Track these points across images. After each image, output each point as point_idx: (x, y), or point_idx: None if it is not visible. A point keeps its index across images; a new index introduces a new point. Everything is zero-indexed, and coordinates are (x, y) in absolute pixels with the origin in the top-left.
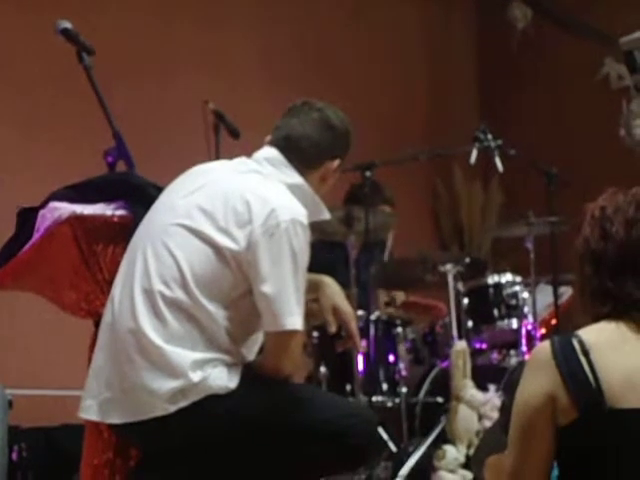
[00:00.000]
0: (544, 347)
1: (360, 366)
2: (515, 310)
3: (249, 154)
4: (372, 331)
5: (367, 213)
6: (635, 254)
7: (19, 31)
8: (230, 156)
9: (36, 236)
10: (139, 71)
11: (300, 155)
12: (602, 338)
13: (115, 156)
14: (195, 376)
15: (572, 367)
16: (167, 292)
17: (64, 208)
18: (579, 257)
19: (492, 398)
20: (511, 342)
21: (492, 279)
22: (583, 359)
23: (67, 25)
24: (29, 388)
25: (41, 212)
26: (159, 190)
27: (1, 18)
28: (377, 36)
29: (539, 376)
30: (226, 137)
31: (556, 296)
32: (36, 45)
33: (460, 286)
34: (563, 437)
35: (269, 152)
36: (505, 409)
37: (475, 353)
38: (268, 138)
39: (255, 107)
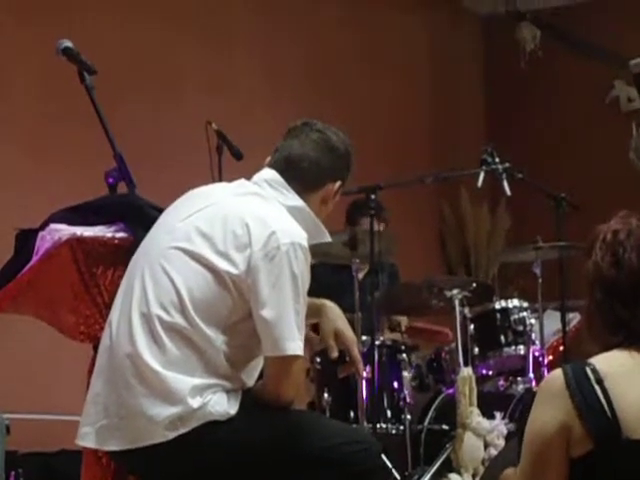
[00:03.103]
0: (557, 376)
1: (364, 393)
2: (522, 336)
3: (252, 175)
4: (376, 357)
5: (372, 236)
6: None
7: (21, 50)
8: (233, 177)
9: (35, 258)
10: (142, 91)
11: (300, 177)
12: (616, 367)
13: (116, 177)
14: (194, 402)
15: (586, 396)
16: (165, 317)
17: (64, 230)
18: (589, 283)
19: (498, 426)
20: (518, 369)
21: (499, 304)
22: (597, 388)
23: (68, 44)
24: (27, 413)
25: (40, 234)
26: (160, 211)
27: (2, 37)
28: (383, 57)
29: (552, 405)
30: (229, 158)
31: (564, 322)
32: (38, 64)
33: (466, 311)
34: (577, 468)
35: (269, 174)
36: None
37: (481, 380)
38: (268, 160)
39: (258, 128)
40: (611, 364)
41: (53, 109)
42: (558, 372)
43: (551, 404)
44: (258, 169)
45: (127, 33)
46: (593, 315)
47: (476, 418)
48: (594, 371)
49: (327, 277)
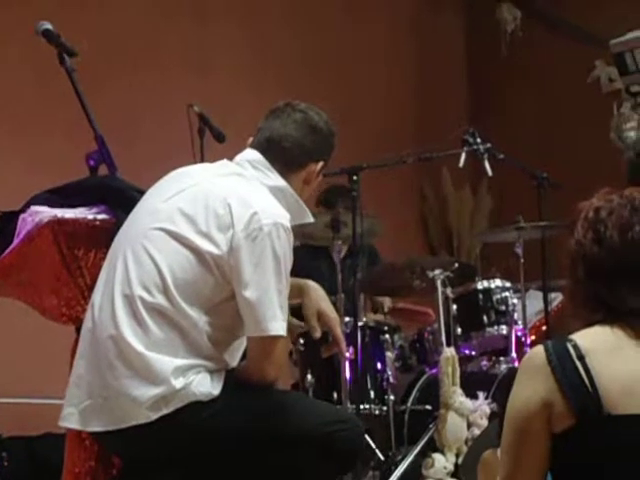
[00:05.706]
0: (538, 352)
1: (347, 374)
2: (505, 316)
3: (234, 156)
4: (359, 338)
5: (354, 218)
6: (630, 260)
7: (1, 30)
8: (215, 159)
9: (16, 241)
10: (123, 72)
11: (282, 157)
12: (597, 343)
13: (97, 159)
14: (177, 383)
15: (568, 372)
16: (148, 297)
17: (45, 212)
18: (571, 260)
19: (481, 405)
20: (501, 349)
21: (481, 285)
22: (579, 364)
23: (48, 26)
24: (10, 397)
25: (22, 216)
26: (142, 193)
27: None
28: (365, 38)
29: (533, 382)
30: (211, 140)
31: (546, 302)
32: (18, 45)
33: (449, 292)
34: (559, 444)
35: (251, 154)
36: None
37: (464, 360)
38: (250, 140)
39: (241, 110)
40: (593, 340)
41: (33, 91)
42: (539, 348)
43: (533, 380)
44: (239, 152)
45: (107, 15)
46: (575, 292)
47: (459, 398)
48: (575, 347)
49: (308, 259)
